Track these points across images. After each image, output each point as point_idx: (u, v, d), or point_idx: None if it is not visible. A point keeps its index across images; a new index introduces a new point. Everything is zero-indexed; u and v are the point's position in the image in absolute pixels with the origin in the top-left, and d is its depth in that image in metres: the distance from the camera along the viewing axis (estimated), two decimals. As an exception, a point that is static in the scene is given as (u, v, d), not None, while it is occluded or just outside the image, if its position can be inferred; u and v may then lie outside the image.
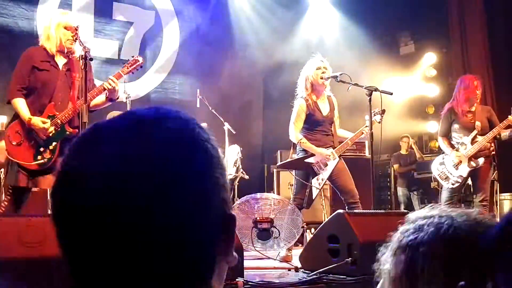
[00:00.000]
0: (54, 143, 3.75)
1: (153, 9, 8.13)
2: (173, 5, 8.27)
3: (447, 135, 5.43)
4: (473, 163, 5.19)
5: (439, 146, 5.82)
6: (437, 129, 8.05)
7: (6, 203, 3.72)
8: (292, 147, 4.86)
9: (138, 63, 4.00)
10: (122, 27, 7.84)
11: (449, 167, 5.31)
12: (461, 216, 0.78)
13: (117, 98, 3.96)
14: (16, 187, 3.71)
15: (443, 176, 5.35)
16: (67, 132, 3.73)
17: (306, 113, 4.61)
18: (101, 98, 3.94)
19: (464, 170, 5.21)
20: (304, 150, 4.65)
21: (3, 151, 3.79)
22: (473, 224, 0.77)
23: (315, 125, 4.65)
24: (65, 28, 3.80)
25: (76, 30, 3.77)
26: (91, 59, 3.53)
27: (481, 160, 5.18)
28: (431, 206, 0.89)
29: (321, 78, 4.58)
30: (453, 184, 5.27)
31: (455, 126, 5.35)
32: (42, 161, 3.70)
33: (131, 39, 7.86)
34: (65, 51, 3.85)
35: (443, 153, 5.47)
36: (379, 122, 4.50)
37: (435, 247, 0.76)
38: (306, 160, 4.60)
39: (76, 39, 3.73)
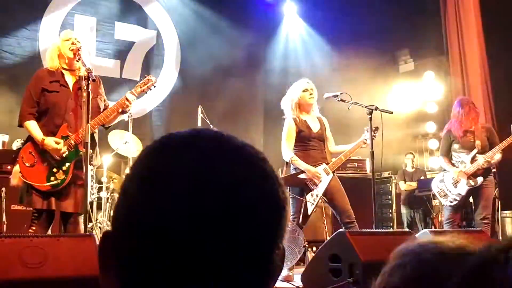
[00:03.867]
0: (67, 164, 3.71)
1: (155, 29, 8.21)
2: (175, 25, 8.35)
3: (448, 155, 5.44)
4: (471, 182, 5.18)
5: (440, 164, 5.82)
6: (437, 147, 8.06)
7: (34, 227, 3.65)
8: (285, 164, 4.82)
9: (151, 83, 3.97)
10: (124, 47, 7.92)
11: (448, 185, 5.30)
12: (428, 250, 0.75)
13: (129, 110, 3.93)
14: (39, 209, 3.66)
15: (442, 193, 5.34)
16: (81, 153, 3.64)
17: (296, 131, 4.61)
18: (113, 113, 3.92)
19: (463, 188, 5.20)
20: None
21: (17, 175, 3.74)
22: (439, 257, 0.74)
23: (306, 142, 4.63)
24: (64, 40, 3.83)
25: (76, 41, 3.80)
26: (93, 80, 3.53)
27: (479, 179, 5.17)
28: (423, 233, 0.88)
29: (309, 98, 4.61)
30: (451, 202, 5.25)
31: (455, 146, 5.36)
32: (55, 182, 3.67)
33: (132, 58, 7.93)
34: (72, 67, 3.84)
35: (444, 170, 5.47)
36: (373, 139, 4.47)
37: None
38: (299, 176, 4.56)
39: (78, 55, 3.73)
